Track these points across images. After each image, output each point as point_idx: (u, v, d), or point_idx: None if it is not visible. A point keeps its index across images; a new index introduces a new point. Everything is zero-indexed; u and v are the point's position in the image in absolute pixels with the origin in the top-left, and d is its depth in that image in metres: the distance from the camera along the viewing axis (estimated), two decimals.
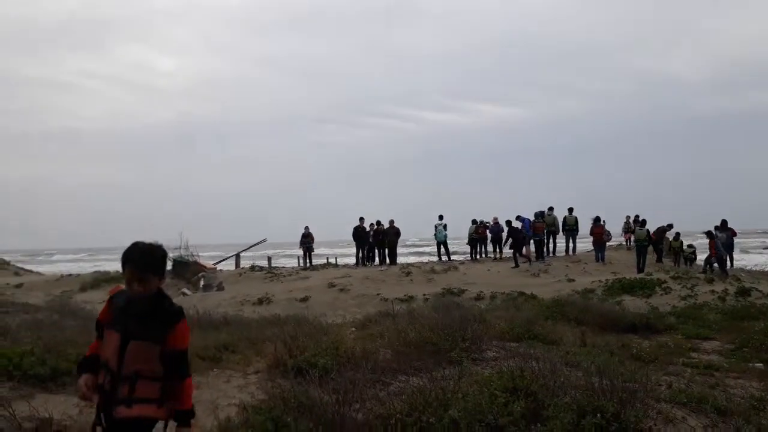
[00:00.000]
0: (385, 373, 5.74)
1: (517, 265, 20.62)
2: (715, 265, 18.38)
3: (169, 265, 22.38)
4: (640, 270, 18.50)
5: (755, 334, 9.70)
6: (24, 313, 9.36)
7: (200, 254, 23.79)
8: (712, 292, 13.64)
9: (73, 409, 4.43)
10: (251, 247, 29.38)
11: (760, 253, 30.99)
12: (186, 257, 22.30)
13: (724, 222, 19.23)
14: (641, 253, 20.13)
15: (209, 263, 24.04)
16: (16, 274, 29.01)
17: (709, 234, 19.22)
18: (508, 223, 22.35)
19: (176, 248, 22.55)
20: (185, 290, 19.16)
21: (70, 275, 24.28)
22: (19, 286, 20.98)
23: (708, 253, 18.82)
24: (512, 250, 21.61)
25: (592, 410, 4.06)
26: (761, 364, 8.06)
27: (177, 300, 15.45)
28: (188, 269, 21.43)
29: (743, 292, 13.35)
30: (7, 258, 33.77)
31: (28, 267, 35.53)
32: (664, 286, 14.34)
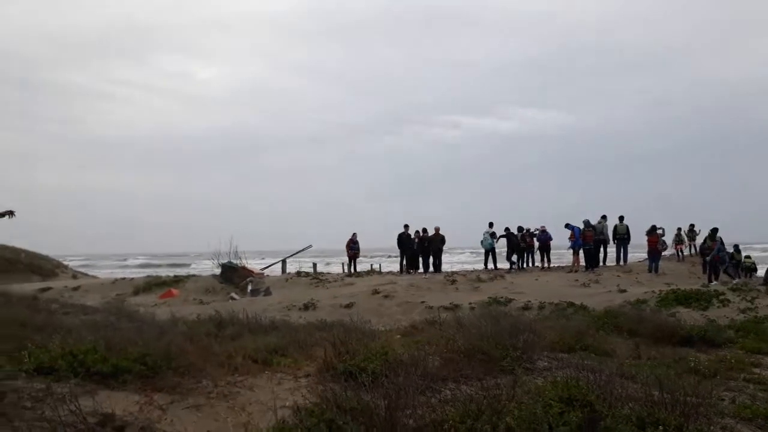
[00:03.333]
0: (434, 380, 5.70)
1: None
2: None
3: (218, 271, 23.03)
4: (709, 281, 17.97)
5: None
6: (83, 314, 9.68)
7: (248, 261, 24.25)
8: None
9: (133, 406, 4.56)
10: (297, 253, 29.76)
11: None
12: (234, 263, 22.75)
13: None
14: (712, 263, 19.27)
15: (257, 269, 24.46)
16: (74, 277, 30.26)
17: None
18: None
19: (225, 254, 23.10)
20: (234, 295, 19.53)
21: (124, 279, 25.08)
22: (76, 288, 21.81)
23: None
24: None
25: (652, 422, 3.94)
26: None
27: (226, 304, 15.81)
28: (237, 274, 21.87)
29: None
30: (65, 262, 35.22)
31: (85, 271, 36.94)
32: (721, 298, 13.80)
